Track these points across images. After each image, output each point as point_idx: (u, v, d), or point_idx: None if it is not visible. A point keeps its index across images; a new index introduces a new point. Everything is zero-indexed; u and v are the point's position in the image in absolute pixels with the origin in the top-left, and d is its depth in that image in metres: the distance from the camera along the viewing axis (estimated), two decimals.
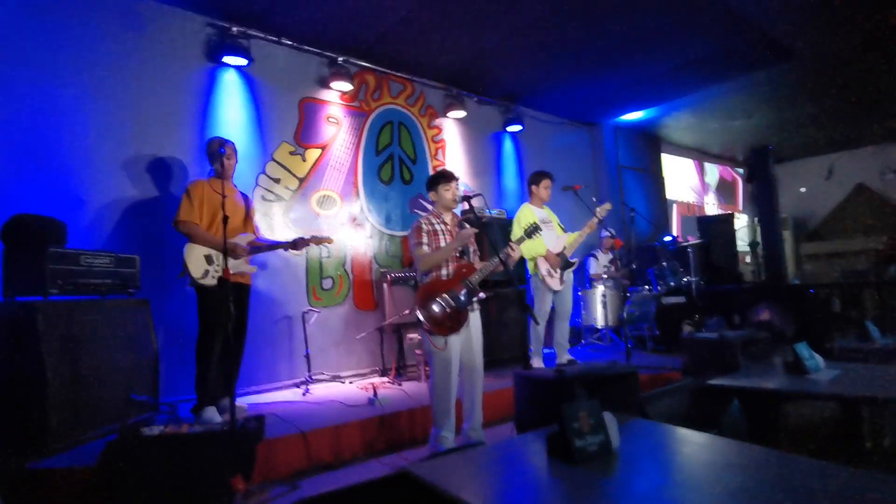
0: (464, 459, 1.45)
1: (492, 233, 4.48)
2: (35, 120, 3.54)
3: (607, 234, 4.55)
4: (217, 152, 3.38)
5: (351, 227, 5.14)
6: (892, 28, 5.19)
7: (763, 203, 6.99)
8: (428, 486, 1.22)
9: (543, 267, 4.48)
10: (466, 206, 3.17)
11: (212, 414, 3.14)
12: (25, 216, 2.93)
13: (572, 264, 4.56)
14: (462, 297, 2.96)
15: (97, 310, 3.04)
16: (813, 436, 2.42)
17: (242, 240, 3.46)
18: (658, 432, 1.64)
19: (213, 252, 3.27)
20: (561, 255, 4.49)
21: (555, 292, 4.50)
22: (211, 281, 3.23)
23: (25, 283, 2.82)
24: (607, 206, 4.60)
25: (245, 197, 3.69)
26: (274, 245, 3.61)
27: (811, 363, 2.41)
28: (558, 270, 4.49)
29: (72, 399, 2.74)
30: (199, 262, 3.23)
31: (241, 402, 3.76)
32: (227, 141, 3.48)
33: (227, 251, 3.24)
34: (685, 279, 6.06)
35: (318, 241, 3.60)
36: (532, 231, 3.22)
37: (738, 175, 11.28)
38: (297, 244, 3.53)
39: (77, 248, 3.03)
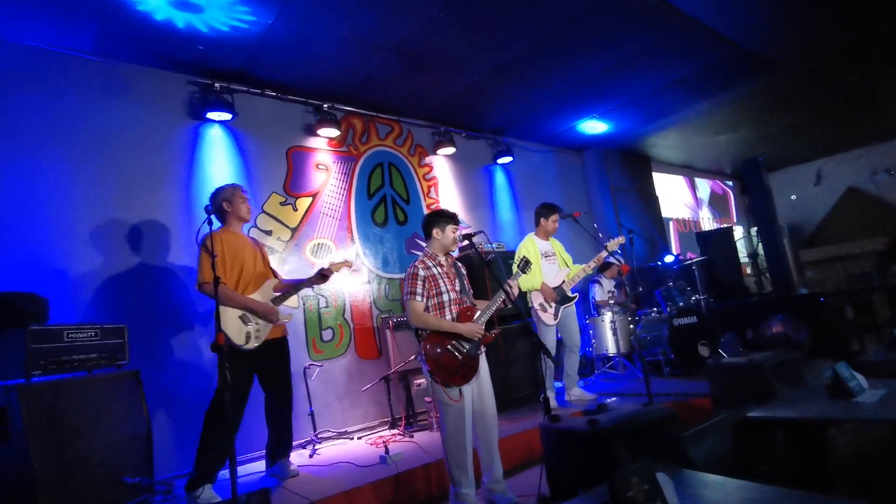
0: None
1: (497, 269, 4.35)
2: (12, 192, 3.42)
3: (613, 260, 4.45)
4: (237, 197, 3.27)
5: (348, 274, 4.98)
6: (867, 33, 5.26)
7: (761, 214, 6.95)
8: None
9: (536, 301, 4.42)
10: (467, 242, 3.06)
11: (209, 494, 2.87)
12: (3, 294, 2.77)
13: (571, 299, 4.51)
14: (472, 343, 2.81)
15: (84, 387, 2.84)
16: (865, 464, 2.24)
17: (269, 287, 3.26)
18: (714, 488, 1.47)
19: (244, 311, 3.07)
20: (559, 288, 4.43)
21: (551, 326, 4.40)
22: (254, 343, 3.05)
23: (6, 366, 2.65)
24: (620, 239, 4.52)
25: (255, 241, 3.52)
26: (299, 284, 3.42)
27: (854, 384, 2.25)
28: (553, 305, 4.41)
29: (61, 488, 2.54)
30: (235, 325, 3.00)
31: (243, 469, 3.51)
32: (239, 185, 3.41)
33: (267, 317, 3.16)
34: (693, 298, 5.91)
35: (339, 266, 3.49)
36: (524, 265, 3.14)
37: (728, 188, 11.31)
38: (322, 274, 3.37)
39: (60, 322, 2.87)
